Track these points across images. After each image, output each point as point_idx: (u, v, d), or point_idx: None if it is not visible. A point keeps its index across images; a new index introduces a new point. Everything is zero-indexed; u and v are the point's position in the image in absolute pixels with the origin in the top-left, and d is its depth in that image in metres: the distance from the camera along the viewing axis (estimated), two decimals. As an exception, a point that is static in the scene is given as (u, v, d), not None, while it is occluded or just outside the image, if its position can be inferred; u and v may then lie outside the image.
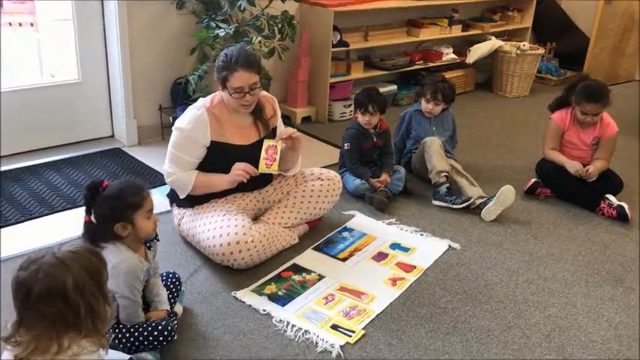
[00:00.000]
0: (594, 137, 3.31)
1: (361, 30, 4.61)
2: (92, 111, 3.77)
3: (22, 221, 2.82)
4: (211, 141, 2.56)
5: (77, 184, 3.22)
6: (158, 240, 2.10)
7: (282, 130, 2.71)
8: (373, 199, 3.13)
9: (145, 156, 3.62)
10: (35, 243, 2.59)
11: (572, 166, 3.24)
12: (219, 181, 2.57)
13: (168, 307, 2.10)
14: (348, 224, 2.97)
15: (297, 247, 2.72)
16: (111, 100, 3.80)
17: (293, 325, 2.20)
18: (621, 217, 3.13)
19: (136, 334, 1.94)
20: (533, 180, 3.40)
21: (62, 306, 1.42)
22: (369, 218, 3.04)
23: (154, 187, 3.08)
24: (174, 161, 2.57)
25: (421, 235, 2.91)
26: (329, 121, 4.42)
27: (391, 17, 4.89)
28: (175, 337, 2.03)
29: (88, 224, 1.93)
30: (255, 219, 2.71)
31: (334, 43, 4.26)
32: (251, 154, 2.58)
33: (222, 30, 3.49)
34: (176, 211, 2.73)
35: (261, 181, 2.75)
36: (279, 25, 3.69)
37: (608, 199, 3.20)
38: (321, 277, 2.52)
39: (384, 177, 3.21)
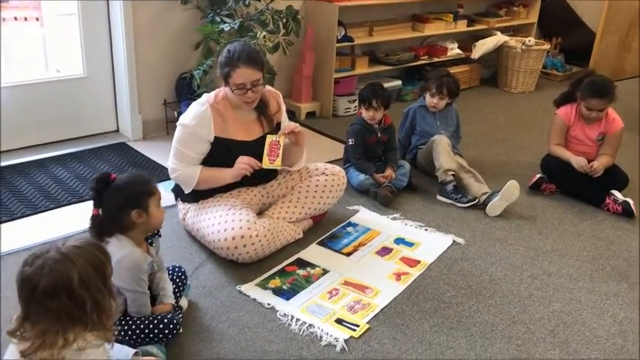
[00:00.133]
0: (599, 133, 3.30)
1: (366, 25, 4.61)
2: (97, 106, 3.78)
3: (28, 215, 2.83)
4: (215, 137, 2.56)
5: (83, 178, 3.23)
6: (160, 236, 2.11)
7: (285, 125, 2.71)
8: (377, 194, 3.14)
9: (150, 150, 3.63)
10: (41, 237, 2.61)
11: (577, 162, 3.23)
12: (224, 175, 2.58)
13: (174, 301, 2.11)
14: (353, 219, 2.97)
15: (301, 242, 2.73)
16: (116, 95, 3.81)
17: (297, 319, 2.21)
18: (627, 212, 3.12)
19: (142, 326, 1.95)
20: (538, 175, 3.40)
21: (68, 301, 1.42)
22: (374, 213, 3.04)
23: (160, 181, 3.08)
24: (178, 157, 2.57)
25: (425, 230, 2.91)
26: (333, 116, 4.42)
27: (396, 12, 4.88)
28: (180, 331, 2.05)
29: (95, 217, 1.94)
30: (260, 214, 2.72)
31: (339, 38, 4.25)
32: (255, 149, 2.58)
33: (226, 25, 3.49)
34: (181, 205, 2.73)
35: (266, 176, 2.75)
36: (284, 20, 3.69)
37: (613, 195, 3.20)
38: (325, 272, 2.52)
39: (389, 172, 3.21)
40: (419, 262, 2.63)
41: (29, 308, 1.44)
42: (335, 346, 2.09)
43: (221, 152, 2.57)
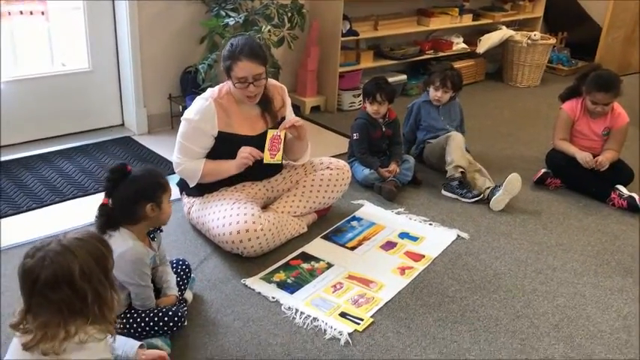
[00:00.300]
0: (605, 127, 3.29)
1: (371, 19, 4.60)
2: (102, 100, 3.79)
3: (34, 208, 2.85)
4: (219, 131, 2.56)
5: (88, 172, 3.25)
6: (161, 230, 2.12)
7: (286, 120, 2.70)
8: (382, 189, 3.14)
9: (155, 144, 3.64)
10: (47, 230, 2.62)
11: (583, 158, 3.22)
12: (227, 166, 2.58)
13: (177, 293, 2.12)
14: (357, 213, 2.98)
15: (306, 236, 2.73)
16: (121, 89, 3.82)
17: (302, 313, 2.22)
18: (632, 207, 3.11)
19: (147, 319, 1.97)
20: (543, 170, 3.39)
21: (69, 292, 1.43)
22: (378, 207, 3.04)
23: (165, 175, 3.09)
24: (182, 151, 2.58)
25: (430, 224, 2.91)
26: (338, 110, 4.41)
27: (401, 6, 4.87)
28: (185, 323, 2.06)
29: (104, 207, 1.94)
30: (265, 208, 2.72)
31: (344, 32, 4.25)
32: (258, 144, 2.58)
33: (231, 19, 3.49)
34: (186, 199, 2.74)
35: (271, 171, 2.76)
36: (289, 14, 3.69)
37: (618, 190, 3.19)
38: (329, 266, 2.53)
39: (393, 167, 3.21)
40: (423, 256, 2.64)
41: (31, 300, 1.45)
42: (339, 339, 2.09)
43: (225, 147, 2.57)
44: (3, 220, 2.73)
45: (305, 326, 2.16)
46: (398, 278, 2.47)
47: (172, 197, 2.80)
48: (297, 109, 4.23)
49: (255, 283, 2.39)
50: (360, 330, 2.15)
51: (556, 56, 5.76)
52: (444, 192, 3.22)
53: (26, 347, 1.44)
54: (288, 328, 2.15)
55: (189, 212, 2.71)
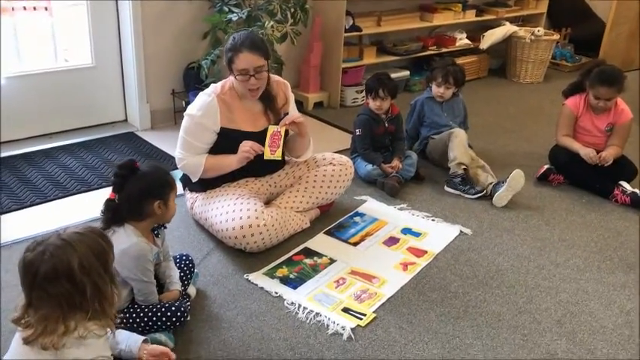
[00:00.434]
0: (608, 123, 3.28)
1: (374, 15, 4.59)
2: (106, 95, 3.79)
3: (38, 204, 2.86)
4: (221, 127, 2.57)
5: (91, 167, 3.26)
6: (165, 227, 2.12)
7: (286, 117, 2.70)
8: (385, 185, 3.14)
9: (158, 140, 3.65)
10: (50, 225, 2.62)
11: (586, 154, 3.22)
12: (228, 161, 2.58)
13: (180, 287, 2.13)
14: (360, 209, 2.98)
15: (308, 232, 2.73)
16: (124, 85, 3.82)
17: (304, 308, 2.22)
18: (635, 203, 3.11)
19: (150, 314, 1.97)
20: (545, 166, 3.39)
21: (68, 286, 1.43)
22: (381, 203, 3.05)
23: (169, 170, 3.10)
24: (185, 147, 2.59)
25: (432, 220, 2.91)
26: (341, 106, 4.41)
27: (404, 2, 4.86)
28: (188, 318, 2.07)
29: (111, 202, 1.95)
30: (267, 203, 2.73)
31: (347, 27, 4.24)
32: (260, 140, 2.58)
33: (234, 14, 3.49)
34: (189, 195, 2.75)
35: (273, 166, 2.76)
36: (292, 10, 3.68)
37: (621, 186, 3.18)
38: (332, 261, 2.53)
39: (395, 163, 3.21)
40: (426, 252, 2.64)
41: (31, 294, 1.46)
42: (342, 334, 2.10)
43: (227, 142, 2.57)
44: (7, 215, 2.74)
45: (308, 321, 2.16)
46: (400, 274, 2.48)
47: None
48: (300, 105, 4.23)
49: (258, 278, 2.39)
50: (363, 325, 2.15)
51: (559, 52, 5.75)
52: (446, 188, 3.22)
53: (26, 341, 1.45)
54: (291, 323, 2.15)
55: (192, 207, 2.72)
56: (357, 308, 2.24)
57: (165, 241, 2.14)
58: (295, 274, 2.43)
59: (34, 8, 3.41)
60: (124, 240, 1.92)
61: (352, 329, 2.12)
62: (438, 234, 2.78)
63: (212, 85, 2.66)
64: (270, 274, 2.42)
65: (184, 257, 2.26)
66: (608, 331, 2.20)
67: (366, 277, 2.44)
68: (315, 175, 2.80)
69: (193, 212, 2.72)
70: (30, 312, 1.46)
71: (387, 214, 2.94)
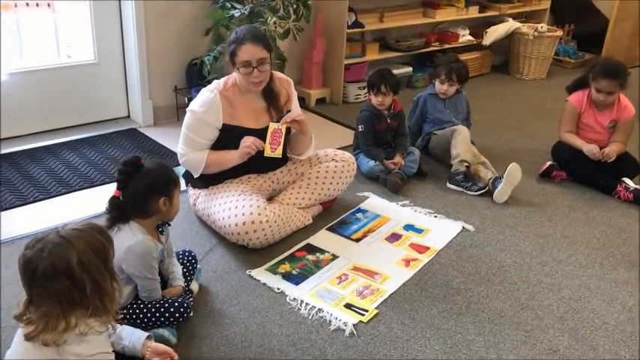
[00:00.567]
0: (611, 120, 3.28)
1: (377, 11, 4.58)
2: (108, 91, 3.80)
3: (41, 200, 2.86)
4: (223, 124, 2.56)
5: (94, 163, 3.26)
6: (169, 225, 2.12)
7: (288, 114, 2.69)
8: (387, 181, 3.14)
9: (161, 136, 3.65)
10: (53, 221, 2.62)
11: (590, 150, 3.21)
12: (230, 157, 2.57)
13: (183, 283, 2.13)
14: (362, 205, 2.98)
15: (311, 228, 2.74)
16: (127, 81, 3.83)
17: (307, 304, 2.22)
18: (638, 200, 3.10)
19: (153, 310, 1.98)
20: (548, 163, 3.38)
21: (67, 283, 1.43)
22: (383, 200, 3.05)
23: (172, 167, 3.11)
24: (187, 143, 2.59)
25: (435, 216, 2.91)
26: (343, 102, 4.41)
27: (407, -2, 4.86)
28: (191, 314, 2.08)
29: (115, 199, 1.95)
30: (270, 200, 2.73)
31: (349, 24, 4.24)
32: (262, 137, 2.58)
33: (237, 10, 3.49)
34: (191, 191, 2.75)
35: (276, 163, 2.76)
36: (294, 6, 3.68)
37: (624, 183, 3.18)
38: (334, 257, 2.54)
39: (398, 159, 3.22)
40: (428, 248, 2.64)
41: (32, 291, 1.46)
42: (344, 330, 2.10)
43: (229, 139, 2.57)
44: (10, 211, 2.75)
45: (310, 317, 2.17)
46: (403, 270, 2.48)
47: (178, 189, 2.84)
48: (303, 101, 4.22)
49: (261, 274, 2.40)
50: (365, 321, 2.16)
51: (563, 49, 5.73)
52: (449, 185, 3.22)
53: (28, 338, 1.45)
54: (294, 319, 2.16)
55: (194, 204, 2.72)
56: (359, 304, 2.24)
57: (169, 238, 2.15)
58: (298, 270, 2.44)
59: (37, 4, 3.41)
60: (130, 237, 1.92)
61: (354, 325, 2.13)
62: (440, 230, 2.78)
63: (215, 81, 2.65)
64: (273, 270, 2.43)
65: (187, 253, 2.26)
66: (610, 328, 2.20)
67: (369, 273, 2.44)
68: (318, 172, 2.80)
69: (196, 208, 2.72)
70: (31, 309, 1.47)
71: (389, 211, 2.94)
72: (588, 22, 5.93)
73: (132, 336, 1.78)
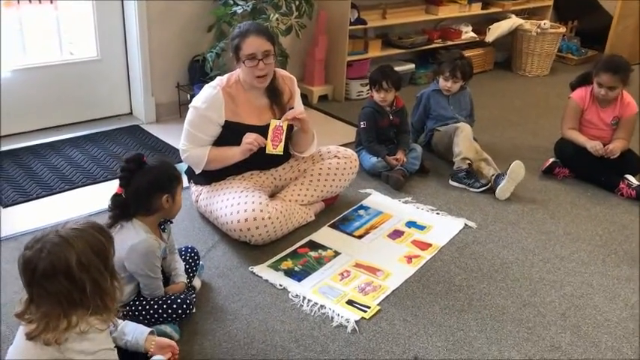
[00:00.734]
0: (614, 117, 3.27)
1: (379, 7, 4.58)
2: (111, 88, 3.80)
3: (44, 196, 2.87)
4: (226, 120, 2.57)
5: (97, 160, 3.27)
6: (171, 222, 2.13)
7: (289, 111, 2.69)
8: (389, 178, 3.14)
9: (163, 133, 3.66)
10: (56, 218, 2.64)
11: (593, 146, 3.20)
12: (232, 153, 2.57)
13: (186, 280, 2.14)
14: (364, 202, 2.98)
15: (313, 225, 2.74)
16: (129, 78, 3.83)
17: (309, 300, 2.23)
18: (640, 197, 3.10)
19: (156, 307, 1.98)
20: (551, 160, 3.38)
21: (67, 283, 1.43)
22: (385, 197, 3.05)
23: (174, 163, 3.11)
24: (189, 139, 2.59)
25: (437, 213, 2.91)
26: (346, 99, 4.41)
27: (409, -5, 4.85)
28: (194, 311, 2.08)
29: (118, 197, 1.95)
30: (272, 196, 2.73)
31: (352, 20, 4.23)
32: (265, 134, 2.58)
33: (239, 7, 3.49)
34: (194, 187, 2.75)
35: (278, 159, 2.76)
36: (297, 3, 3.67)
37: (627, 180, 3.17)
38: (337, 254, 2.54)
39: (400, 155, 3.21)
40: (430, 245, 2.64)
41: (32, 291, 1.46)
42: (346, 326, 2.11)
43: (232, 135, 2.57)
44: (13, 207, 2.76)
45: (312, 313, 2.17)
46: (405, 267, 2.48)
47: (181, 185, 2.85)
48: (305, 98, 4.22)
49: (263, 270, 2.40)
50: (367, 317, 2.16)
51: (566, 45, 5.71)
52: (451, 182, 3.21)
53: (29, 337, 1.45)
54: (296, 316, 2.16)
55: (197, 200, 2.73)
56: (361, 301, 2.25)
57: (172, 235, 2.15)
58: (300, 266, 2.44)
59: (40, 1, 3.42)
60: (133, 236, 1.93)
61: (356, 322, 2.13)
62: (442, 227, 2.78)
63: (218, 77, 2.65)
64: (275, 266, 2.43)
65: (189, 250, 2.27)
66: (612, 325, 2.20)
67: (371, 269, 2.44)
68: (320, 169, 2.80)
69: (198, 205, 2.73)
70: (32, 308, 1.47)
71: (391, 208, 2.94)
72: (591, 19, 5.91)
73: (135, 331, 1.78)
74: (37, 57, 3.49)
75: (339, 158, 2.84)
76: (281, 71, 2.77)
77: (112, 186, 1.99)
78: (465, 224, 2.81)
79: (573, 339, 2.11)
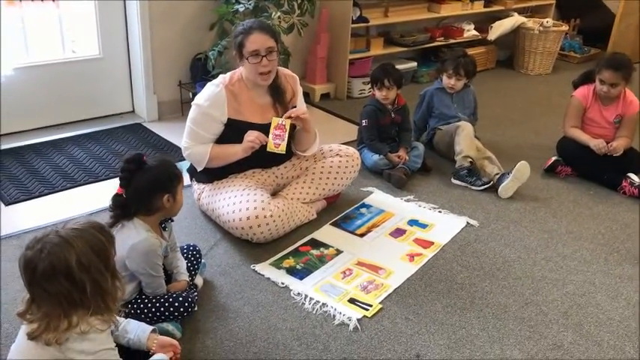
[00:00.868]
0: (617, 115, 3.27)
1: (381, 6, 4.57)
2: (113, 86, 3.80)
3: (46, 194, 2.87)
4: (228, 118, 2.57)
5: (99, 158, 3.27)
6: (172, 221, 2.13)
7: (292, 110, 2.69)
8: (392, 176, 3.14)
9: (165, 131, 3.66)
10: (58, 216, 2.65)
11: (596, 145, 3.20)
12: (233, 150, 2.57)
13: (187, 278, 2.14)
14: (366, 201, 2.98)
15: (315, 223, 2.74)
16: (131, 76, 3.83)
17: (311, 298, 2.23)
18: (643, 195, 3.10)
19: (157, 305, 1.98)
20: (553, 158, 3.37)
21: (67, 284, 1.42)
22: (387, 195, 3.04)
23: (176, 162, 3.11)
24: (191, 136, 2.59)
25: (439, 211, 2.91)
26: (348, 97, 4.41)
27: (412, -7, 4.84)
28: (196, 309, 2.08)
29: (118, 197, 1.95)
30: (274, 195, 2.73)
31: (354, 18, 4.23)
32: (267, 132, 2.57)
33: (241, 5, 3.49)
34: (196, 186, 2.76)
35: (280, 158, 2.75)
36: (299, 1, 3.67)
37: (629, 178, 3.17)
38: (339, 252, 2.54)
39: (402, 153, 3.21)
40: (432, 243, 2.64)
41: (33, 291, 1.46)
42: (348, 325, 2.11)
43: (234, 134, 2.57)
44: (15, 205, 2.76)
45: (314, 312, 2.17)
46: (407, 265, 2.48)
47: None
48: (307, 97, 4.22)
49: (265, 268, 2.40)
50: (369, 316, 2.16)
51: (568, 43, 5.71)
52: (453, 180, 3.21)
53: (31, 337, 1.45)
54: (298, 314, 2.16)
55: (199, 199, 2.73)
56: (363, 299, 2.25)
57: (173, 233, 2.15)
58: (302, 264, 2.44)
59: (42, 0, 3.41)
60: (134, 235, 1.93)
61: (358, 320, 2.13)
62: (444, 225, 2.78)
63: (220, 75, 2.65)
64: (277, 264, 2.43)
65: (191, 248, 2.27)
66: (614, 323, 2.19)
67: (373, 268, 2.44)
68: (322, 167, 2.80)
69: (200, 203, 2.73)
70: (33, 308, 1.47)
71: (393, 206, 2.94)
72: (594, 17, 5.90)
73: (137, 329, 1.78)
74: (40, 55, 3.50)
75: (340, 156, 2.84)
76: (284, 70, 2.77)
77: (114, 184, 1.99)
78: (467, 222, 2.81)
79: (575, 337, 2.11)
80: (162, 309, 1.98)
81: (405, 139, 3.31)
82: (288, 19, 3.55)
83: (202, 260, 2.31)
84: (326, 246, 2.58)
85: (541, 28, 5.07)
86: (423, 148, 3.32)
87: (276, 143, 2.55)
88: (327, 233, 2.68)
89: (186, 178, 2.79)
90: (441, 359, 1.99)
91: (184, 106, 3.82)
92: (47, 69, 3.53)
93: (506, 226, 2.81)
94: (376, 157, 3.22)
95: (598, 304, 2.29)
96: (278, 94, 2.66)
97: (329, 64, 4.35)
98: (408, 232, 2.72)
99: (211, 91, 2.56)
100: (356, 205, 2.93)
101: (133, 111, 3.93)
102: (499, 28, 5.11)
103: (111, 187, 2.02)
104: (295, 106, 2.72)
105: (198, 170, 2.65)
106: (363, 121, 3.29)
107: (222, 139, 2.60)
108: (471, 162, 3.19)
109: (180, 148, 2.71)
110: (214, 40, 3.68)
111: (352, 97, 4.41)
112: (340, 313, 2.16)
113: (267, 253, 2.49)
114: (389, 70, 3.24)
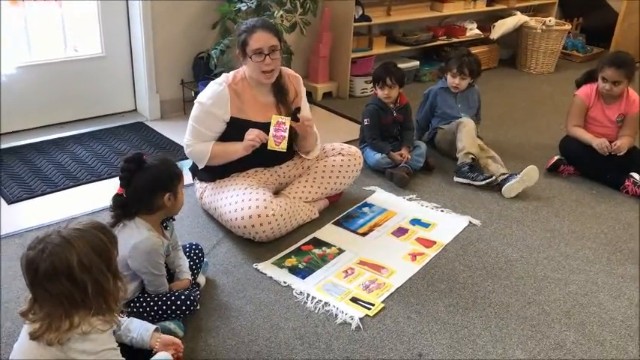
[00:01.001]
0: (619, 114, 3.26)
1: (384, 4, 4.56)
2: (115, 85, 3.80)
3: (49, 193, 2.88)
4: (231, 117, 2.57)
5: (101, 157, 3.27)
6: (173, 220, 2.13)
7: (304, 110, 2.67)
8: (394, 175, 3.13)
9: (168, 130, 3.66)
10: (61, 214, 2.65)
11: (599, 144, 3.19)
12: (235, 148, 2.57)
13: (190, 276, 2.14)
14: (369, 200, 2.98)
15: (317, 222, 2.74)
16: (134, 75, 3.83)
17: (313, 298, 2.23)
18: (646, 195, 3.09)
19: (160, 303, 1.99)
20: (556, 157, 3.37)
21: (68, 285, 1.42)
22: (390, 194, 3.04)
23: (178, 160, 3.11)
24: (193, 134, 2.59)
25: (442, 211, 2.91)
26: (350, 96, 4.40)
27: (414, -9, 4.83)
28: (198, 307, 2.08)
29: (119, 197, 1.95)
30: (276, 194, 2.73)
31: (356, 17, 4.22)
32: (269, 131, 2.57)
33: (244, 4, 3.49)
34: (198, 184, 2.76)
35: (282, 156, 2.75)
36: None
37: (632, 177, 3.16)
38: (341, 251, 2.54)
39: (404, 152, 3.21)
40: (435, 242, 2.64)
41: (35, 291, 1.46)
42: (350, 324, 2.11)
43: (236, 132, 2.57)
44: (18, 204, 2.77)
45: (316, 311, 2.17)
46: (409, 264, 2.48)
47: (185, 183, 2.85)
48: (309, 95, 4.21)
49: (267, 267, 2.40)
50: (371, 315, 2.16)
51: (571, 42, 5.69)
52: (456, 179, 3.21)
53: (33, 337, 1.45)
54: (300, 313, 2.16)
55: (201, 197, 2.73)
56: (365, 298, 2.25)
57: (174, 232, 2.15)
58: (304, 263, 2.44)
59: (44, -1, 3.42)
60: (135, 234, 1.93)
61: (361, 319, 2.13)
62: (446, 225, 2.78)
63: (223, 74, 2.65)
64: (279, 263, 2.43)
65: (194, 246, 2.27)
66: (617, 323, 2.19)
67: (375, 267, 2.44)
68: (324, 166, 2.80)
69: (202, 202, 2.73)
70: (35, 308, 1.47)
71: (395, 205, 2.94)
72: (597, 16, 5.89)
73: (140, 328, 1.78)
74: (42, 54, 3.50)
75: (343, 155, 2.84)
76: (287, 70, 2.77)
77: (116, 183, 1.99)
78: (470, 222, 2.81)
79: (578, 337, 2.11)
80: (164, 307, 1.98)
81: (407, 138, 3.31)
82: (290, 18, 3.55)
83: (205, 259, 2.31)
84: (328, 245, 2.58)
85: (544, 27, 5.06)
86: (425, 147, 3.32)
87: (277, 141, 2.55)
88: (329, 232, 2.68)
89: (188, 177, 2.80)
90: (443, 359, 1.99)
91: (187, 104, 3.82)
92: (50, 68, 3.53)
93: (509, 226, 2.80)
94: (378, 155, 3.21)
95: (600, 304, 2.29)
96: (281, 94, 2.66)
97: (331, 62, 4.35)
98: (411, 232, 2.72)
99: (214, 89, 2.56)
100: (358, 204, 2.93)
101: (136, 110, 3.93)
102: (502, 27, 5.10)
103: (113, 185, 2.02)
104: (299, 107, 2.72)
105: (200, 168, 2.65)
106: (365, 120, 3.29)
107: (224, 138, 2.60)
108: (472, 158, 3.18)
109: (182, 147, 2.71)
110: (217, 39, 3.68)
111: (354, 95, 4.41)
112: (342, 312, 2.16)
113: (270, 252, 2.49)
114: (391, 68, 3.23)
